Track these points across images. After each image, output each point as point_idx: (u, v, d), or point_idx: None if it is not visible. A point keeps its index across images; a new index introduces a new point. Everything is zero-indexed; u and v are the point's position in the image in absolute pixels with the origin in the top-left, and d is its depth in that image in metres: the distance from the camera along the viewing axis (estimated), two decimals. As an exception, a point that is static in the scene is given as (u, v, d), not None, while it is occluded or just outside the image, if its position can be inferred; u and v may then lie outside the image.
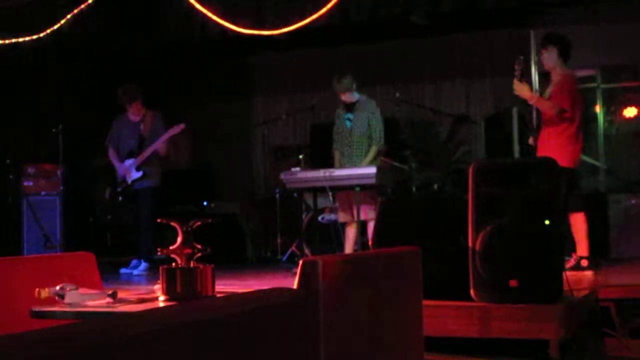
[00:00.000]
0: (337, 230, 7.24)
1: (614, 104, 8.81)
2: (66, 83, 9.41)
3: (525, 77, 5.98)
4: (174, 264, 2.81)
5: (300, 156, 7.98)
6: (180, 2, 7.85)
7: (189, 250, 2.82)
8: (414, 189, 7.36)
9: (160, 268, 2.78)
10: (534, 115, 5.98)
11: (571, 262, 5.79)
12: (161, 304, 2.70)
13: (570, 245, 5.81)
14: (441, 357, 4.00)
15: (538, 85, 8.00)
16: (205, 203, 9.49)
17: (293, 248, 8.30)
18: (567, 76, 6.01)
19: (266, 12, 7.72)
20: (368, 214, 6.72)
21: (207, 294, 2.75)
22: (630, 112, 8.79)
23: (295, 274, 2.23)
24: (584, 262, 5.82)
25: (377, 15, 7.41)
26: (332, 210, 7.33)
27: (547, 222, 3.88)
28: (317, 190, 6.88)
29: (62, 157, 8.31)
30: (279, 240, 8.59)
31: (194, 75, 10.46)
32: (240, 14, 7.72)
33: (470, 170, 4.05)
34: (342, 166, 6.99)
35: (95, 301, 2.76)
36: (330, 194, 6.78)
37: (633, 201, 7.53)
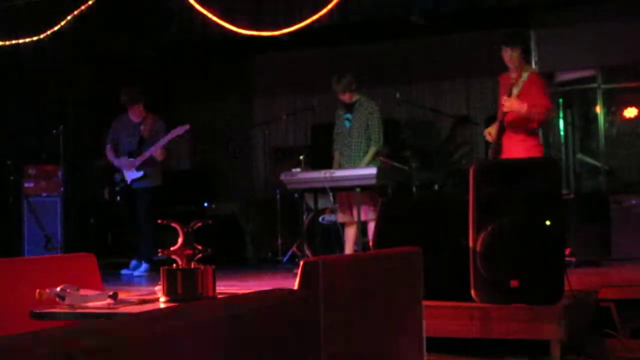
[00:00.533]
0: (338, 231, 7.24)
1: (614, 104, 8.80)
2: (67, 84, 9.41)
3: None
4: (174, 265, 2.82)
5: (301, 157, 7.98)
6: (180, 3, 7.86)
7: (189, 251, 2.82)
8: (414, 189, 7.36)
9: (161, 269, 2.78)
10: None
11: None
12: (162, 305, 2.70)
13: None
14: (442, 358, 4.00)
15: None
16: (205, 204, 9.48)
17: (294, 249, 8.29)
18: (537, 75, 6.00)
19: (266, 12, 7.72)
20: (368, 214, 6.72)
21: (207, 295, 2.74)
22: (630, 112, 8.78)
23: (295, 274, 2.23)
24: None
25: (377, 15, 7.41)
26: (333, 211, 7.33)
27: (548, 222, 3.87)
28: (318, 191, 6.88)
29: (62, 158, 8.31)
30: (279, 241, 8.58)
31: (194, 75, 10.46)
32: (241, 14, 7.72)
33: (471, 170, 4.05)
34: (340, 167, 6.98)
35: (96, 302, 2.76)
36: (330, 194, 6.78)
37: (633, 201, 7.52)
